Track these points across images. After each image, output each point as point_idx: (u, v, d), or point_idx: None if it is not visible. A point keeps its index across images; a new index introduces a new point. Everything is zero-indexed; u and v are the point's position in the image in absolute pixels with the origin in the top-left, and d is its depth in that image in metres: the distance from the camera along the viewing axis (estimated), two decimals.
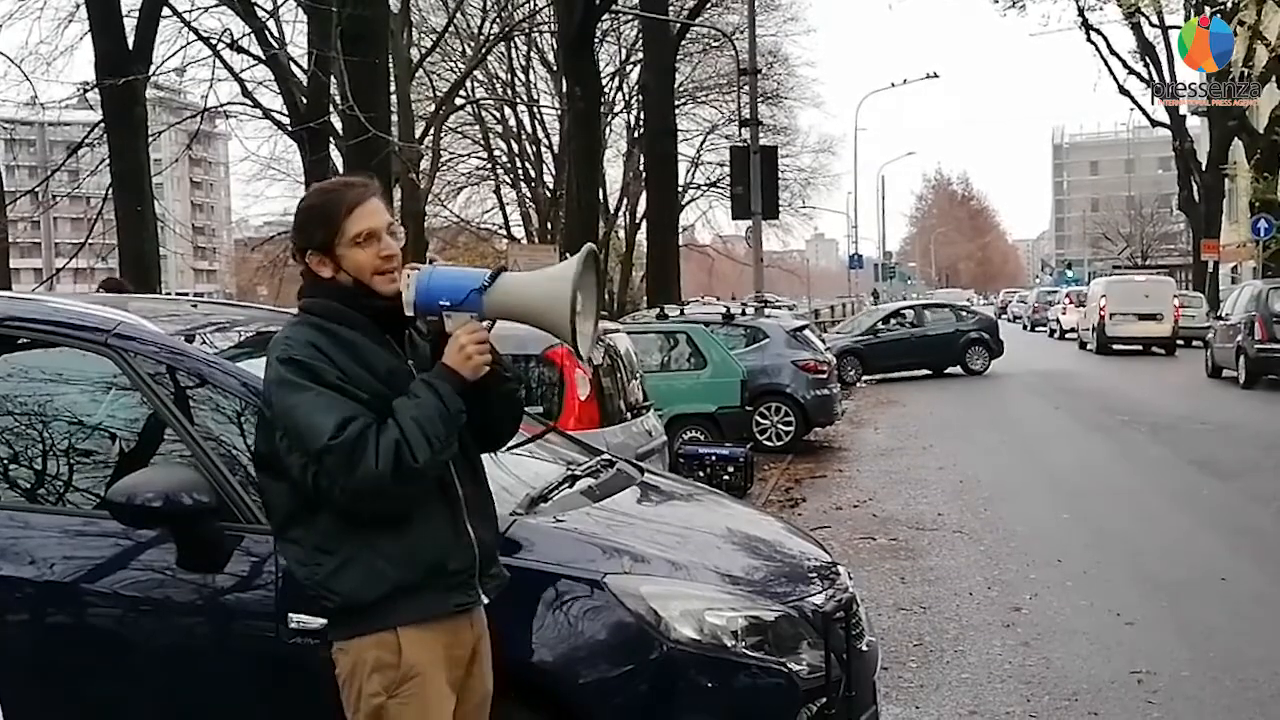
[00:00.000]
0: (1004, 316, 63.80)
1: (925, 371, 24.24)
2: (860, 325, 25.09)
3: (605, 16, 22.09)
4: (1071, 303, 37.81)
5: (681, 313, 14.37)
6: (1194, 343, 27.84)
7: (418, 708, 2.63)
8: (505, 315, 2.64)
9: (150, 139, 14.15)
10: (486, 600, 2.75)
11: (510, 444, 3.38)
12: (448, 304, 2.58)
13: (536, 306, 2.61)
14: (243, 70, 17.94)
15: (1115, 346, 28.83)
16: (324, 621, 2.69)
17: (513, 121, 36.11)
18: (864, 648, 3.64)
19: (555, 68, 31.83)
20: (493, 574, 2.79)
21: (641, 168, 30.49)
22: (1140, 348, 29.21)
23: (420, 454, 2.49)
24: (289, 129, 16.83)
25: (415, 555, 2.61)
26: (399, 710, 2.61)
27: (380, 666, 2.60)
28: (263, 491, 2.75)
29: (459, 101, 31.04)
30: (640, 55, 27.89)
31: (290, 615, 2.95)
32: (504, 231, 38.35)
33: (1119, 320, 28.59)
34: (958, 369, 24.14)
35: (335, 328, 2.62)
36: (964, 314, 25.76)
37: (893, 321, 24.62)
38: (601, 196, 28.88)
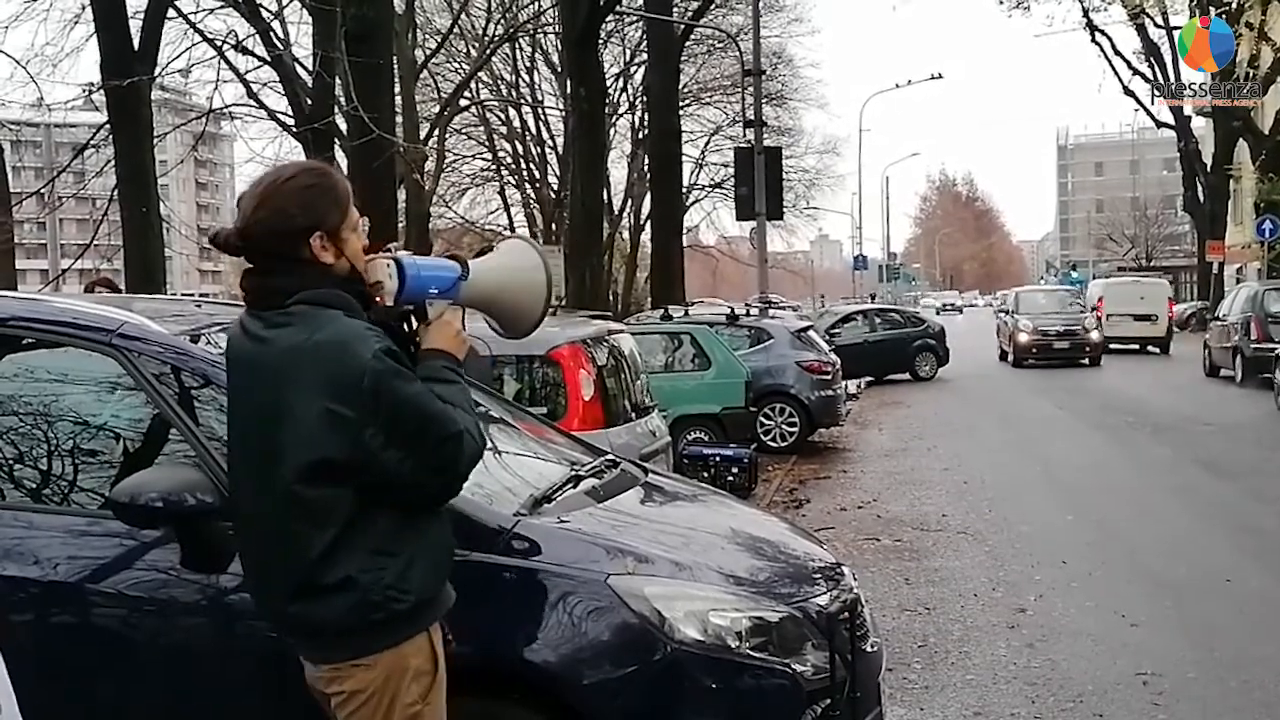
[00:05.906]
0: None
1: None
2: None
3: (609, 18, 22.08)
4: None
5: (686, 313, 14.37)
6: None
7: (436, 708, 2.60)
8: (477, 303, 2.76)
9: (156, 140, 14.16)
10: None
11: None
12: (436, 291, 2.64)
13: (512, 296, 2.80)
14: (248, 72, 17.96)
15: (1112, 346, 28.98)
16: None
17: (517, 123, 36.17)
18: (869, 649, 3.63)
19: (560, 69, 31.84)
20: None
21: (646, 169, 30.48)
22: (1136, 347, 29.58)
23: (481, 433, 2.53)
24: (294, 130, 16.84)
25: (451, 546, 2.66)
26: (430, 715, 2.57)
27: (419, 673, 2.53)
28: (314, 504, 2.44)
29: (464, 103, 31.02)
30: (644, 56, 27.87)
31: None
32: (509, 232, 38.35)
33: (1115, 321, 28.90)
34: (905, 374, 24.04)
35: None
36: (914, 321, 25.80)
37: (845, 327, 24.38)
38: (606, 197, 28.88)
